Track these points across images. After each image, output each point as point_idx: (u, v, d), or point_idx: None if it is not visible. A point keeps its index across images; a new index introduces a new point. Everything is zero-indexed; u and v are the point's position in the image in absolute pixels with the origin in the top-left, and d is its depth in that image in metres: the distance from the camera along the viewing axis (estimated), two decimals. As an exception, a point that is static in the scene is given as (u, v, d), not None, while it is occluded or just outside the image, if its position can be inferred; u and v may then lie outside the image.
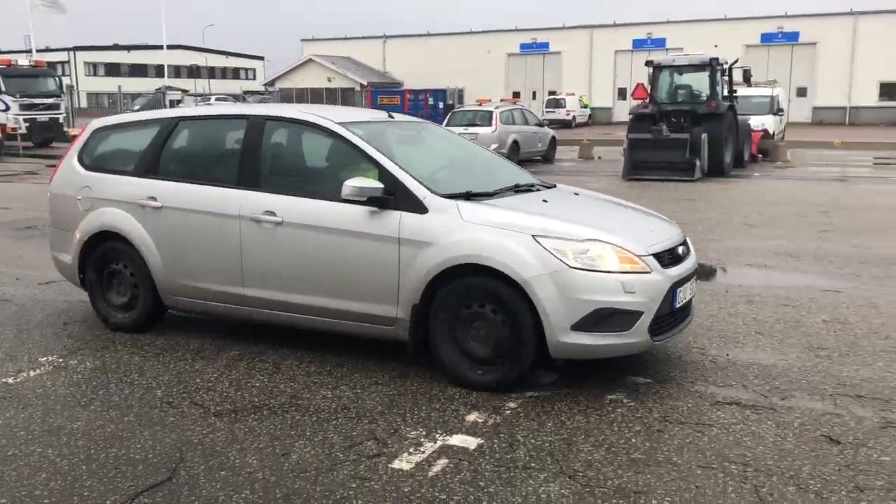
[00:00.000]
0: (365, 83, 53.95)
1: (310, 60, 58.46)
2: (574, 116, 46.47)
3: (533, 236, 4.53)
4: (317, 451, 3.92)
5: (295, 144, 5.59)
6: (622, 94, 49.85)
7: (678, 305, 4.79)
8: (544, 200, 5.25)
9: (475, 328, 4.64)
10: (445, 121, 23.03)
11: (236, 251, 5.26)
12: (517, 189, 5.43)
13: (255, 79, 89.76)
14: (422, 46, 57.03)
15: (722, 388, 4.75)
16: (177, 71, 73.03)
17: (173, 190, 5.58)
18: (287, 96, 55.36)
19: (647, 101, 19.10)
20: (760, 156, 21.83)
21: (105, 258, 5.91)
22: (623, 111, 36.26)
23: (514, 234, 4.55)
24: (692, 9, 61.23)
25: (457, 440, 4.04)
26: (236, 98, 54.11)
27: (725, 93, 19.56)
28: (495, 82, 53.38)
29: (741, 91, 22.57)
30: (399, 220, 4.77)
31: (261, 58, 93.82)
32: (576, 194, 5.75)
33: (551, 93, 50.02)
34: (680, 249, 5.00)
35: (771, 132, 23.52)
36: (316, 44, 61.64)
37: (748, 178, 18.30)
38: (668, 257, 4.78)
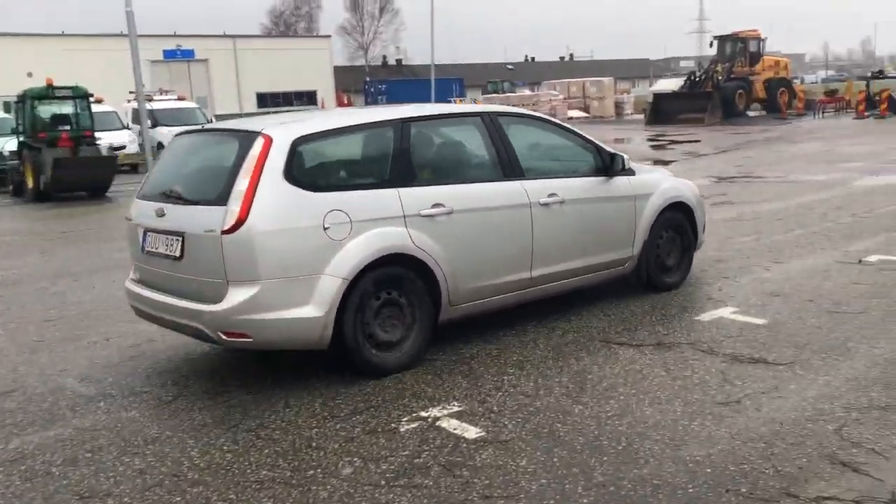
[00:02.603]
0: None
1: None
2: None
3: (683, 181, 7.06)
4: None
5: (527, 135, 6.32)
6: None
7: None
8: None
9: (669, 245, 6.69)
10: None
11: (528, 236, 5.69)
12: None
13: None
14: None
15: None
16: None
17: (458, 193, 5.36)
18: None
19: None
20: None
21: (368, 291, 4.83)
22: None
23: (678, 180, 6.99)
24: None
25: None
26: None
27: None
28: None
29: None
30: (629, 182, 6.38)
31: None
32: None
33: None
34: None
35: None
36: None
37: None
38: None
